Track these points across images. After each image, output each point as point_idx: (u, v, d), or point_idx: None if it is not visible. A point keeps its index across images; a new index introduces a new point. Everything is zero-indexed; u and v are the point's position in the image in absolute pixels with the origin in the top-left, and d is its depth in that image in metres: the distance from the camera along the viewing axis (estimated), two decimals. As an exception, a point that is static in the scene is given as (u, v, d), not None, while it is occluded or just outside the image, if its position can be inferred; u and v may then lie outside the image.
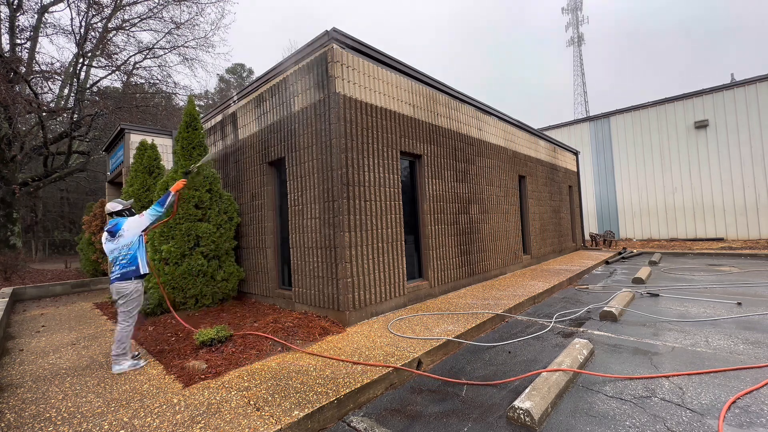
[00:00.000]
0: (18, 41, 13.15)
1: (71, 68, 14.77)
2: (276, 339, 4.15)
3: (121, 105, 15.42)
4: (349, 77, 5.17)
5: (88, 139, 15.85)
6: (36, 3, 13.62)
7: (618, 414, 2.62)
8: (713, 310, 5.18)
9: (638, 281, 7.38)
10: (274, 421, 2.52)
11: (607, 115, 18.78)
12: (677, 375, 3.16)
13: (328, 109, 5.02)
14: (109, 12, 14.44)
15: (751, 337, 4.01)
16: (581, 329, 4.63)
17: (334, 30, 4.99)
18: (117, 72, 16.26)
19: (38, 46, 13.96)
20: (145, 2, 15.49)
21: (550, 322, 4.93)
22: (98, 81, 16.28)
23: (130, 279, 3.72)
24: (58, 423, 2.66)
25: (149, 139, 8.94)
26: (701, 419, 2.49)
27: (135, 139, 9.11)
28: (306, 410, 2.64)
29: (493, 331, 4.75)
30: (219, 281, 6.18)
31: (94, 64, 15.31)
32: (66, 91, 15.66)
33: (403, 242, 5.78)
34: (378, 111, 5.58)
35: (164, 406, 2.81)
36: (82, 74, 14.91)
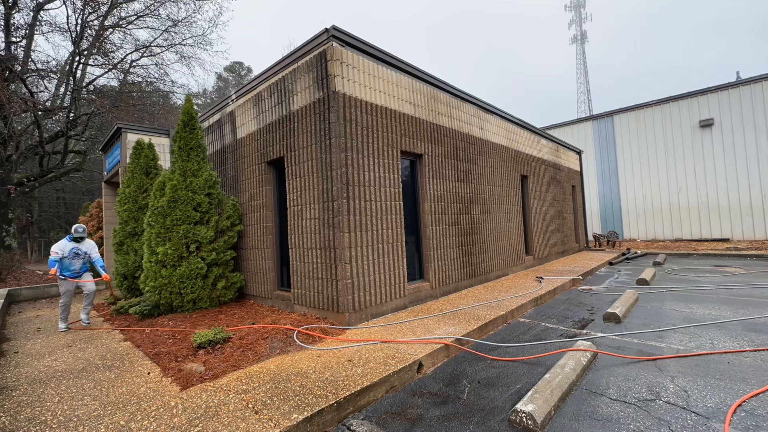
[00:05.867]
0: (13, 39, 13.01)
1: (67, 66, 14.65)
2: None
3: (118, 104, 15.32)
4: (348, 75, 5.11)
5: (84, 139, 15.73)
6: (31, 0, 13.49)
7: (622, 417, 2.58)
8: (718, 311, 5.15)
9: (642, 282, 7.33)
10: (272, 424, 2.47)
11: (610, 114, 18.67)
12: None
13: (327, 108, 4.97)
14: (105, 9, 14.32)
15: (757, 339, 3.98)
16: (584, 331, 4.59)
17: (334, 28, 4.94)
18: (113, 70, 16.16)
19: (34, 44, 13.82)
20: (142, -1, 15.39)
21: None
22: (95, 79, 16.17)
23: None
24: (54, 426, 2.61)
25: (146, 139, 8.86)
26: (706, 422, 2.45)
27: (132, 138, 9.03)
28: (305, 413, 2.59)
29: (495, 333, 4.71)
30: (219, 288, 6.11)
31: (90, 62, 15.19)
32: (62, 89, 15.54)
33: (404, 243, 5.73)
34: (378, 110, 5.53)
35: (161, 410, 2.76)
36: (79, 72, 14.79)
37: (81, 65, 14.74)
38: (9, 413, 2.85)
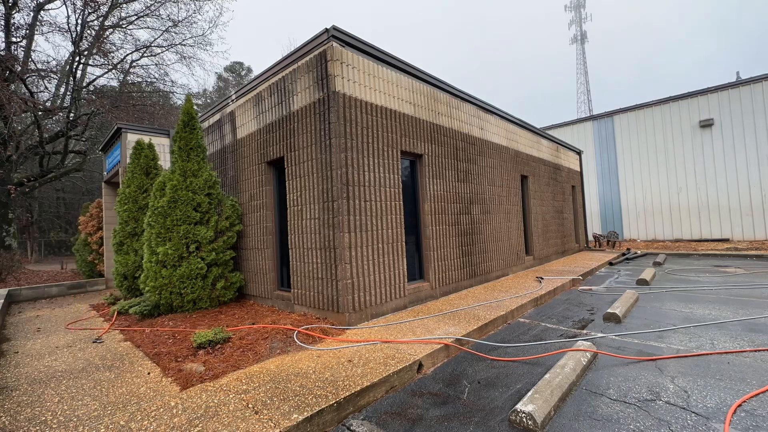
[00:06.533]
0: (13, 39, 13.02)
1: (67, 67, 14.66)
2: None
3: (118, 104, 15.32)
4: (348, 76, 5.11)
5: (84, 139, 15.74)
6: (31, 0, 13.50)
7: (622, 417, 2.58)
8: (718, 312, 5.15)
9: (642, 282, 7.33)
10: (272, 424, 2.47)
11: (610, 114, 18.66)
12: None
13: (327, 108, 4.97)
14: (105, 10, 14.33)
15: (757, 339, 3.98)
16: (584, 331, 4.59)
17: (334, 28, 4.94)
18: (113, 70, 16.15)
19: (34, 44, 13.83)
20: None
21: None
22: (95, 79, 16.17)
23: None
24: (54, 426, 2.61)
25: (146, 139, 8.86)
26: (706, 423, 2.45)
27: (132, 138, 9.03)
28: (305, 413, 2.59)
29: (495, 333, 4.72)
30: (219, 288, 6.11)
31: (90, 62, 15.19)
32: (62, 89, 15.56)
33: (404, 243, 5.73)
34: (378, 110, 5.53)
35: (161, 410, 2.76)
36: (79, 73, 14.79)
37: (81, 65, 14.74)
38: (9, 413, 2.85)
